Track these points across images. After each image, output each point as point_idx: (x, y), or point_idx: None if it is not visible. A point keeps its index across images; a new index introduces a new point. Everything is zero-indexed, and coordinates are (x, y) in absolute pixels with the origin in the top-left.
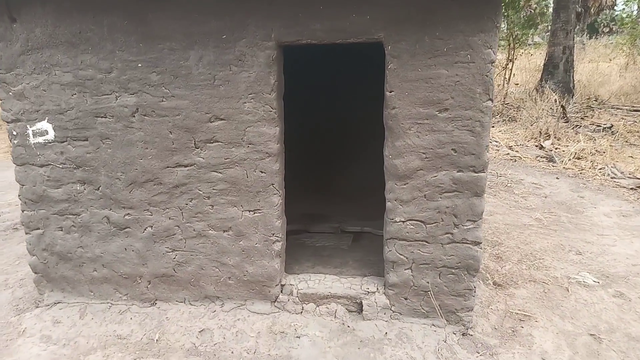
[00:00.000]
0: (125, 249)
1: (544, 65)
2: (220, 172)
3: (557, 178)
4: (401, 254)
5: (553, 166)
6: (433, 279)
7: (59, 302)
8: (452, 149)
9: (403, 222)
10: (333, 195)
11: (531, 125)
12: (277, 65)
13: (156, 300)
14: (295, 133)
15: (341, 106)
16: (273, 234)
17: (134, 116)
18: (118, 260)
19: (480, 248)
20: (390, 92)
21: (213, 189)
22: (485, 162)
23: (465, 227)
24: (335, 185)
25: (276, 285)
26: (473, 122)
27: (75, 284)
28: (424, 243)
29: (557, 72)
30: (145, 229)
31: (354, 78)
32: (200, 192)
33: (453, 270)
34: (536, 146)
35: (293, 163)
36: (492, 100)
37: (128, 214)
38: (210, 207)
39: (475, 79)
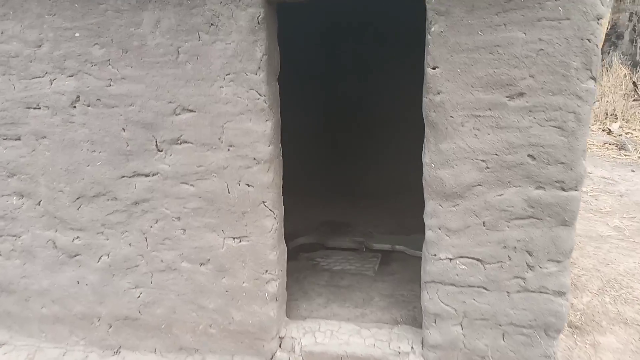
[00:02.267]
0: (78, 282)
1: (606, 34)
2: (192, 185)
3: (632, 171)
4: (447, 305)
5: (626, 155)
6: (494, 341)
7: (4, 344)
8: (528, 155)
9: (451, 259)
10: (359, 197)
11: (594, 105)
12: (267, 30)
13: (120, 348)
14: (313, 122)
15: (369, 90)
16: (266, 271)
17: (75, 106)
18: (70, 296)
19: (567, 300)
20: (434, 68)
21: (184, 208)
22: (580, 174)
23: (545, 270)
24: (363, 185)
25: (272, 339)
26: (564, 113)
27: (22, 321)
28: (482, 290)
29: (622, 43)
30: (100, 258)
31: (384, 53)
32: (168, 212)
33: (524, 330)
34: (603, 130)
35: (310, 159)
36: (595, 80)
37: (78, 237)
38: (181, 231)
39: (571, 46)
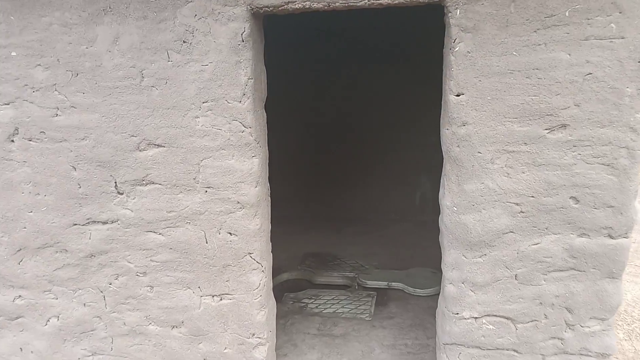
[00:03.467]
0: (21, 349)
1: None
2: (160, 234)
3: None
4: None
5: None
6: None
7: None
8: (570, 197)
9: (476, 318)
10: (345, 225)
11: None
12: (253, 49)
13: None
14: (292, 142)
15: (355, 107)
16: (253, 334)
17: (12, 140)
18: None
19: None
20: (458, 95)
21: (151, 261)
22: (631, 219)
23: (587, 329)
24: (349, 211)
25: None
26: (614, 148)
27: None
28: (513, 354)
29: None
30: (48, 321)
31: (371, 68)
32: (131, 266)
33: None
34: None
35: (289, 182)
36: None
37: (20, 296)
38: (148, 288)
39: (624, 69)
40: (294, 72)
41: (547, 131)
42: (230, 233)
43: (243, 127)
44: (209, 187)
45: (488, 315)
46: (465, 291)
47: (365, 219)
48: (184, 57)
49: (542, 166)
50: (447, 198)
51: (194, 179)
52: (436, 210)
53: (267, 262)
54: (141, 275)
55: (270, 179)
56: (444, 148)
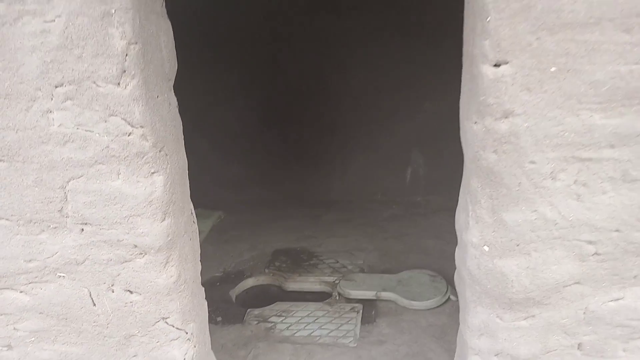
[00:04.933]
0: None
1: None
2: (22, 292)
3: None
4: None
5: None
6: None
7: None
8: None
9: None
10: (321, 211)
11: None
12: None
13: None
14: (255, 114)
15: (329, 69)
16: None
17: None
18: None
19: None
20: (498, 65)
21: (15, 330)
22: None
23: None
24: (325, 194)
25: None
26: None
27: None
28: None
29: None
30: None
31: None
32: None
33: None
34: None
35: (253, 163)
36: None
37: None
38: None
39: None
40: (247, 21)
41: None
42: (129, 291)
43: (129, 125)
44: (85, 224)
45: None
46: None
47: (346, 203)
48: (11, 8)
49: (637, 183)
50: (474, 232)
51: (60, 211)
52: (430, 189)
53: (197, 324)
54: (4, 349)
55: (231, 159)
56: (468, 153)
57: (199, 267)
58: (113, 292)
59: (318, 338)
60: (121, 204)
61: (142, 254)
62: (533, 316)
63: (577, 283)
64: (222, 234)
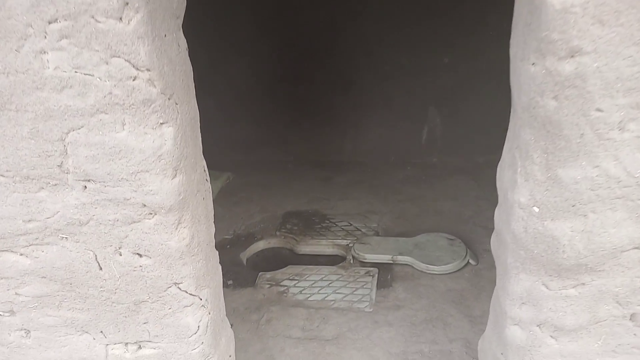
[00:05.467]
0: None
1: None
2: (23, 255)
3: None
4: None
5: None
6: None
7: None
8: None
9: None
10: (334, 172)
11: None
12: None
13: None
14: (264, 70)
15: (342, 20)
16: None
17: None
18: None
19: None
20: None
21: (17, 295)
22: None
23: None
24: (337, 154)
25: None
26: None
27: None
28: None
29: None
30: None
31: None
32: None
33: None
34: None
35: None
36: None
37: None
38: (21, 333)
39: None
40: None
41: None
42: (138, 254)
43: (133, 68)
44: (88, 181)
45: None
46: (543, 338)
47: (359, 164)
48: None
49: None
50: (522, 191)
51: (60, 166)
52: (446, 150)
53: (211, 290)
54: (6, 314)
55: (239, 118)
56: (520, 101)
57: (213, 229)
58: (121, 255)
59: (332, 302)
60: (127, 158)
61: (151, 214)
62: (583, 284)
63: (637, 248)
64: (231, 195)
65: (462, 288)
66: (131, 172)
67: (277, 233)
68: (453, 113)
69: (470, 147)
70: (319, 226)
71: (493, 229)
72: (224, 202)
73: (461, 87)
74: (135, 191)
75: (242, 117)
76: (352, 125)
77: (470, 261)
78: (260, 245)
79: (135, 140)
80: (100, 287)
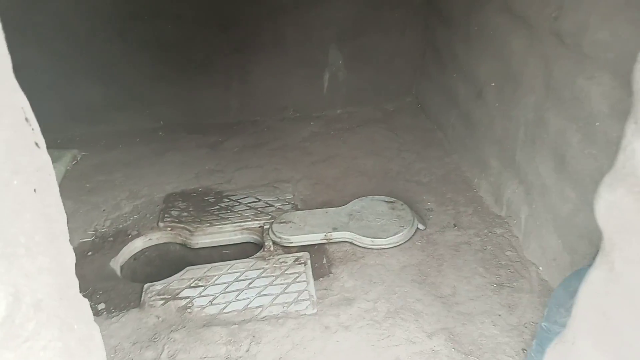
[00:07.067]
0: None
1: None
2: None
3: None
4: None
5: None
6: None
7: None
8: None
9: None
10: (225, 131)
11: None
12: None
13: None
14: None
15: None
16: None
17: None
18: None
19: None
20: None
21: None
22: None
23: None
24: (227, 108)
25: None
26: None
27: None
28: None
29: None
30: None
31: None
32: None
33: None
34: None
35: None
36: None
37: None
38: None
39: None
40: None
41: None
42: None
43: None
44: None
45: None
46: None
47: (251, 123)
48: None
49: None
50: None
51: None
52: (351, 98)
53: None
54: None
55: (80, 75)
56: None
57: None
58: None
59: (260, 310)
60: None
61: None
62: None
63: None
64: (82, 180)
65: (419, 261)
66: None
67: (160, 224)
68: (356, 53)
69: (379, 92)
70: (217, 207)
71: (427, 184)
72: (73, 190)
73: (365, 18)
74: None
75: (83, 73)
76: (236, 76)
77: (419, 226)
78: (138, 244)
79: None
80: None
